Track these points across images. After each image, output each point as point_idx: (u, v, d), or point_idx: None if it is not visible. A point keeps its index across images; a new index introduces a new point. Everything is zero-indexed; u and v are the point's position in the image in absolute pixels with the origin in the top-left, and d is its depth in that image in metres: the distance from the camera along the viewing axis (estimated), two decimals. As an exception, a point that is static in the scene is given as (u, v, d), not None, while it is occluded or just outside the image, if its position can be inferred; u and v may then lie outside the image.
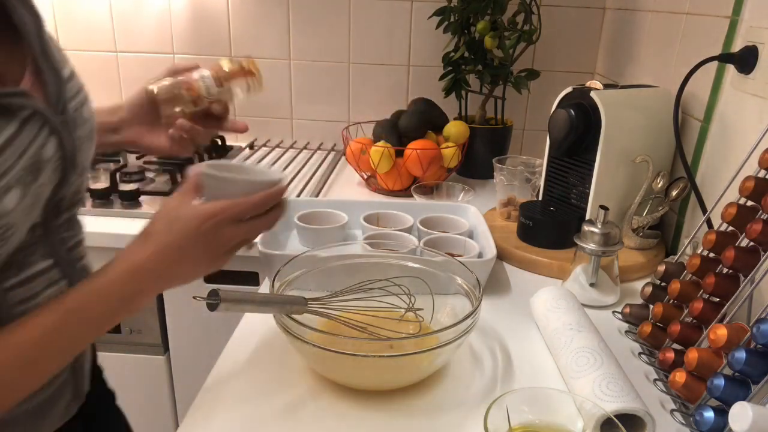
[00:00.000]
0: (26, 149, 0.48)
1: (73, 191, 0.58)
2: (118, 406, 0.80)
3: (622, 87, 0.99)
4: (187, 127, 0.74)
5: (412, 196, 1.17)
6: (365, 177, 1.32)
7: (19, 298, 0.53)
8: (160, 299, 1.12)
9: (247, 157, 1.52)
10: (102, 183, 1.19)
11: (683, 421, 0.61)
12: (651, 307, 0.77)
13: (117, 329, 1.14)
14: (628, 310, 0.80)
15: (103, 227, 1.06)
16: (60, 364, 0.54)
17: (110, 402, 0.78)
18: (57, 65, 0.55)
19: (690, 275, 0.72)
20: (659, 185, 0.94)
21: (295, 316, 0.61)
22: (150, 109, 0.75)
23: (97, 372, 0.74)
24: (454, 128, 1.33)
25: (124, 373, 1.17)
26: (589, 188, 0.95)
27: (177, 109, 0.74)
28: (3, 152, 0.46)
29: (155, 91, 0.74)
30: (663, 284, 0.79)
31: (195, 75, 0.76)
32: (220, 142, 1.54)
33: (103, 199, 1.16)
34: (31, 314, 0.50)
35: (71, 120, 0.55)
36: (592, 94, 0.92)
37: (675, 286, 0.71)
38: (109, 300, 0.53)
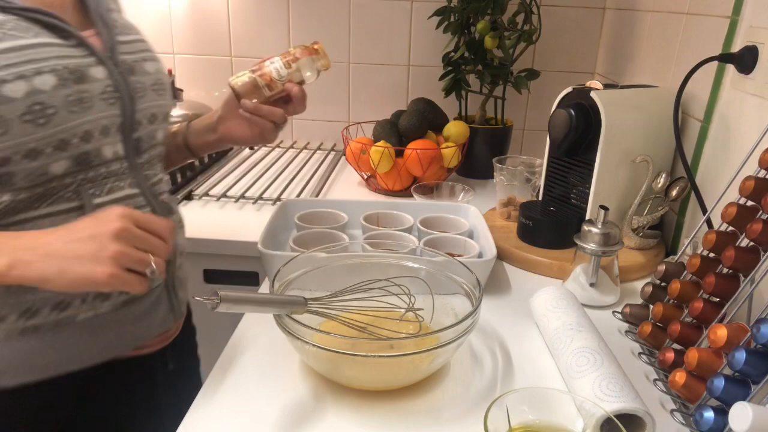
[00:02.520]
0: (69, 57, 0.61)
1: (148, 135, 0.71)
2: (196, 340, 0.95)
3: (622, 87, 0.99)
4: (263, 111, 0.82)
5: (412, 196, 1.17)
6: (365, 177, 1.32)
7: None
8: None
9: (248, 157, 1.52)
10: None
11: (683, 421, 0.61)
12: (651, 307, 0.77)
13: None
14: (628, 310, 0.80)
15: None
16: None
17: (192, 334, 0.94)
18: (112, 26, 0.70)
19: (690, 275, 0.71)
20: (659, 185, 0.94)
21: (295, 316, 0.61)
22: (236, 103, 0.83)
23: (189, 310, 0.89)
24: (454, 128, 1.33)
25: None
26: (589, 188, 0.95)
27: (254, 100, 0.82)
28: (39, 47, 0.59)
29: (233, 83, 0.83)
30: (663, 284, 0.79)
31: (267, 63, 0.83)
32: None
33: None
34: None
35: (126, 66, 0.68)
36: (592, 94, 0.92)
37: (675, 286, 0.71)
38: None
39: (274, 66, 0.82)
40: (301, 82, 0.85)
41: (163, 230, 0.60)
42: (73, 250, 0.54)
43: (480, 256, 0.89)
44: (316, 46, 0.85)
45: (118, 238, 0.55)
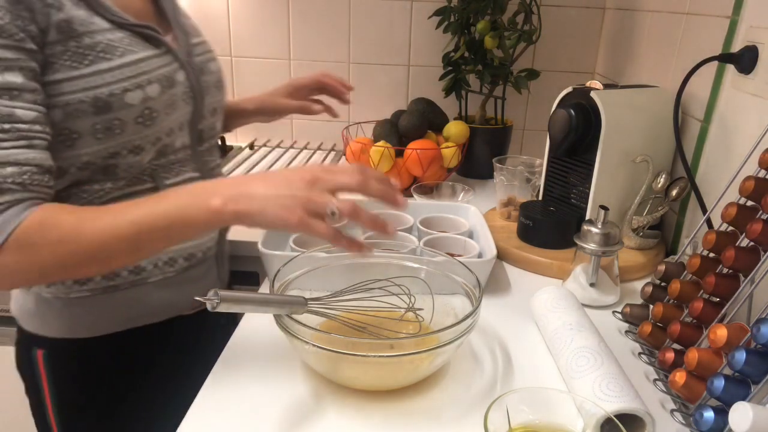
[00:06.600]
0: (164, 66, 0.72)
1: (209, 127, 0.84)
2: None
3: (622, 87, 0.99)
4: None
5: (412, 196, 1.17)
6: (365, 177, 1.32)
7: None
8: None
9: (248, 157, 1.52)
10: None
11: (683, 421, 0.61)
12: (651, 307, 0.77)
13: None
14: (628, 310, 0.80)
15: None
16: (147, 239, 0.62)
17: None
18: (187, 31, 0.81)
19: (690, 275, 0.71)
20: (659, 185, 0.94)
21: (295, 316, 0.61)
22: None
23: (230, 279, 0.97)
24: (454, 128, 1.33)
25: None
26: (589, 188, 0.95)
27: None
28: (148, 60, 0.70)
29: None
30: (663, 284, 0.79)
31: None
32: (220, 142, 1.54)
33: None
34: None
35: (197, 67, 0.79)
36: (592, 94, 0.92)
37: (675, 286, 0.71)
38: (180, 193, 0.61)
39: None
40: None
41: (348, 172, 0.61)
42: (271, 194, 0.59)
43: (480, 256, 0.89)
44: None
45: (309, 186, 0.59)
